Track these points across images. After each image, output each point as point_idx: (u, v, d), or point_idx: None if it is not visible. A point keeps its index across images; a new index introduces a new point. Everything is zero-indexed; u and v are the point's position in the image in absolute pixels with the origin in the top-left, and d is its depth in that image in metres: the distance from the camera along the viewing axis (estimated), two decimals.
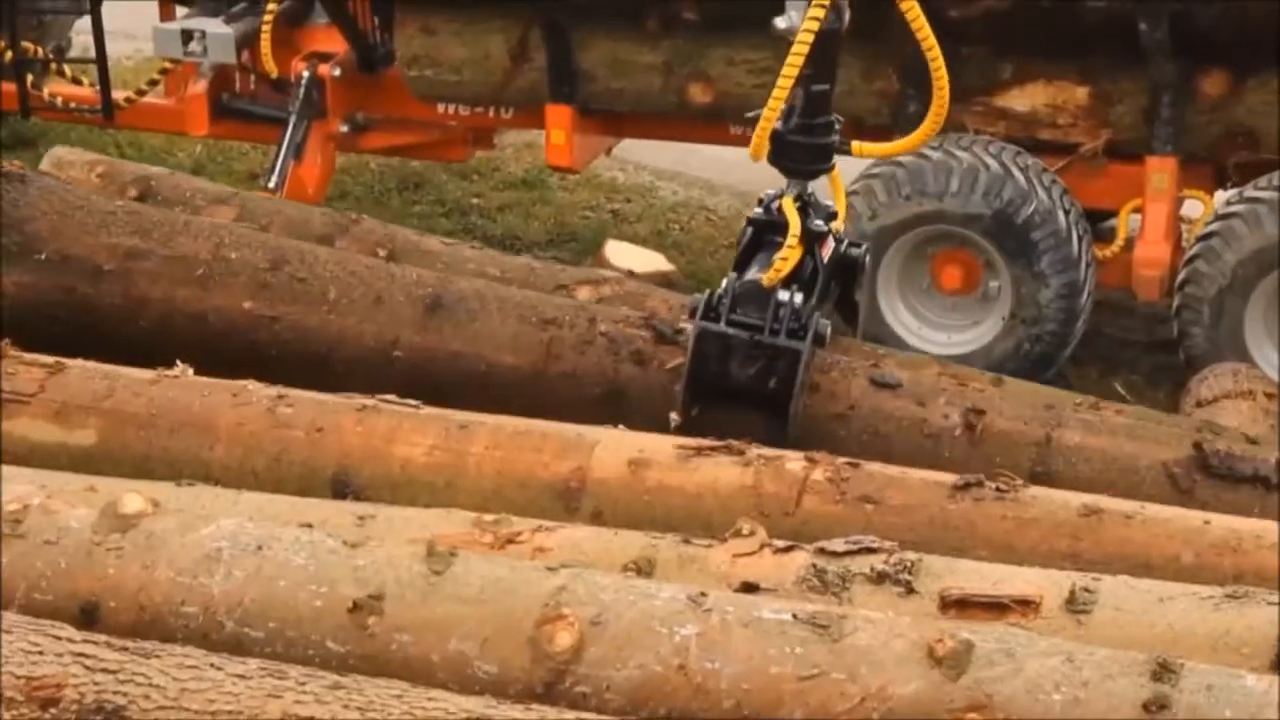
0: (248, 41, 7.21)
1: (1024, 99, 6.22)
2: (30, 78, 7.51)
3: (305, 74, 7.06)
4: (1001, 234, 5.98)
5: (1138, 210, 6.19)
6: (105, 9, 7.43)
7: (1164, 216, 6.12)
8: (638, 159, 8.85)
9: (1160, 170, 6.09)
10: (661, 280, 5.67)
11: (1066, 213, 5.97)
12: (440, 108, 7.05)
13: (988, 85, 6.23)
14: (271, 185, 6.82)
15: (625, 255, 6.48)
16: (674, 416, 3.86)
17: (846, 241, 4.29)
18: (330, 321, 4.03)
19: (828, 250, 4.14)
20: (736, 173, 8.31)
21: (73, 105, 7.58)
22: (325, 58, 7.15)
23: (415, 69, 6.83)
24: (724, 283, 3.97)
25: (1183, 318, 5.92)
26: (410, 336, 4.02)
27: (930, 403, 3.89)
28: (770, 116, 3.99)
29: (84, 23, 7.77)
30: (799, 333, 3.90)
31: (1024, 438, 3.81)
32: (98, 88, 7.46)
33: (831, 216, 4.20)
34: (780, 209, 4.09)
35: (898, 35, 5.76)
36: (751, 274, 4.01)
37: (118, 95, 7.52)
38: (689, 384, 3.88)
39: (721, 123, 6.66)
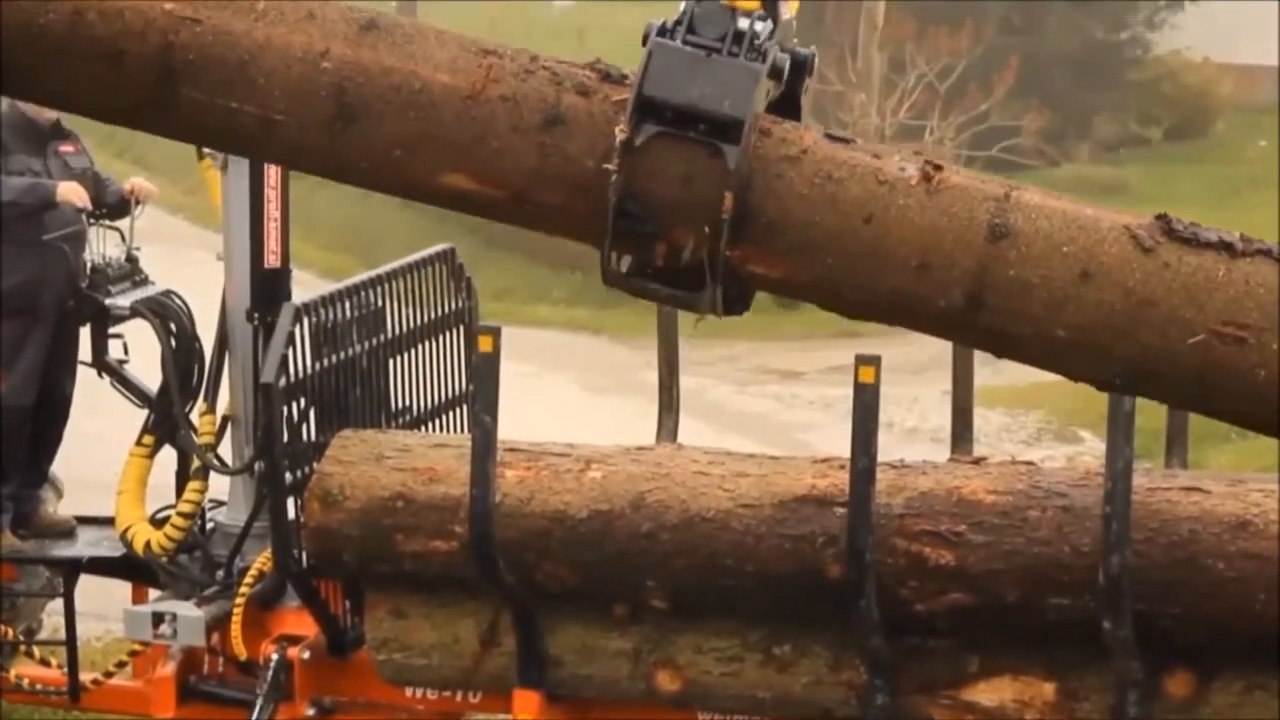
0: (218, 624, 7.25)
1: (991, 693, 6.24)
2: None
3: (274, 657, 7.07)
4: None
5: None
6: (78, 590, 7.50)
7: None
8: None
9: None
10: None
11: None
12: (409, 691, 7.04)
13: (954, 679, 6.25)
14: None
15: None
16: (619, 131, 3.58)
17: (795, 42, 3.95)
18: (256, 28, 3.71)
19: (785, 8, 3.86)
20: None
21: (39, 687, 7.57)
22: (295, 640, 7.17)
23: (384, 653, 6.85)
24: (681, 6, 3.70)
25: None
26: (341, 50, 3.71)
27: (886, 156, 3.66)
28: None
29: (56, 604, 7.84)
30: (757, 59, 3.64)
31: (982, 194, 3.59)
32: (65, 670, 7.46)
33: None
34: None
35: (863, 625, 5.89)
36: None
37: (85, 677, 7.52)
38: (638, 103, 3.59)
39: (690, 709, 6.65)
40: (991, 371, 16.83)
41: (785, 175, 3.64)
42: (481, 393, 6.29)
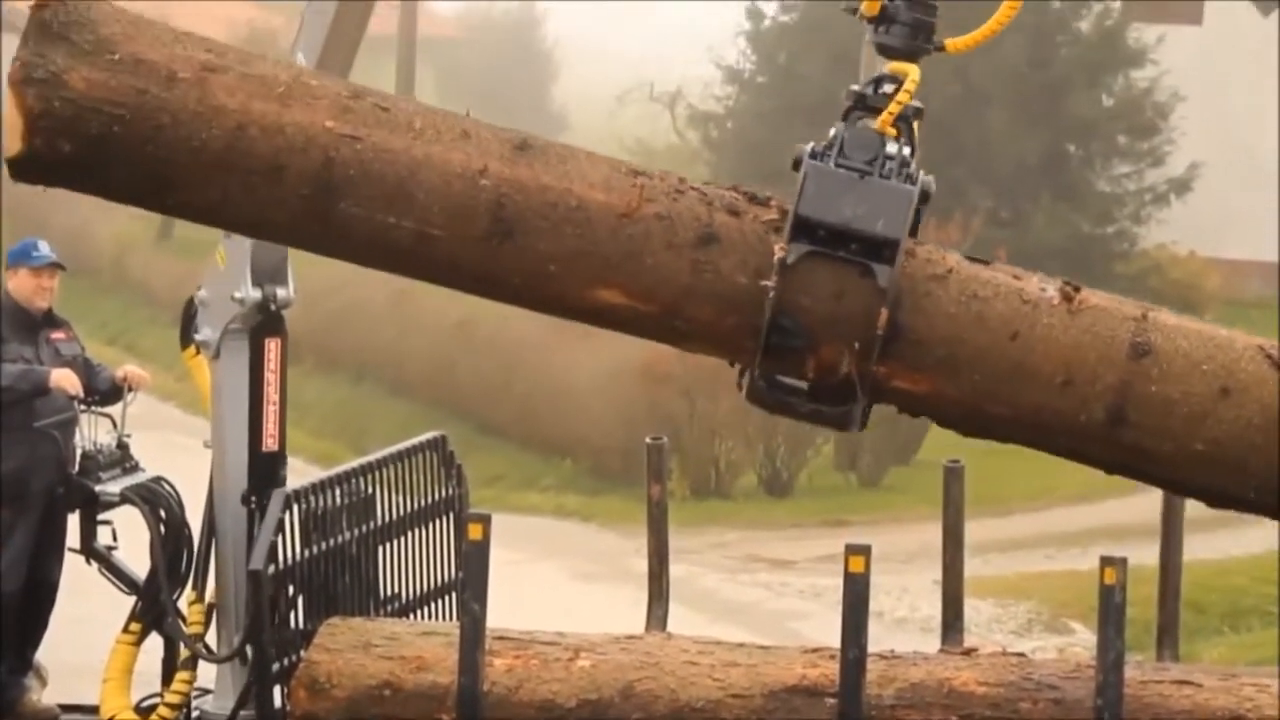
0: None
1: None
2: None
3: None
4: None
5: None
6: None
7: None
8: None
9: None
10: None
11: None
12: None
13: None
14: None
15: None
16: (778, 250, 3.71)
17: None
18: (415, 146, 3.80)
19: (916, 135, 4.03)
20: None
21: None
22: None
23: None
24: (831, 132, 3.84)
25: None
26: (498, 168, 3.80)
27: (1025, 278, 3.84)
28: None
29: None
30: (908, 180, 3.80)
31: (1121, 313, 3.79)
32: None
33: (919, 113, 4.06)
34: (892, 72, 4.00)
35: None
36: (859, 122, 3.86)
37: None
38: (796, 222, 3.71)
39: None
40: (981, 561, 16.87)
41: (933, 294, 3.83)
42: (471, 580, 6.27)
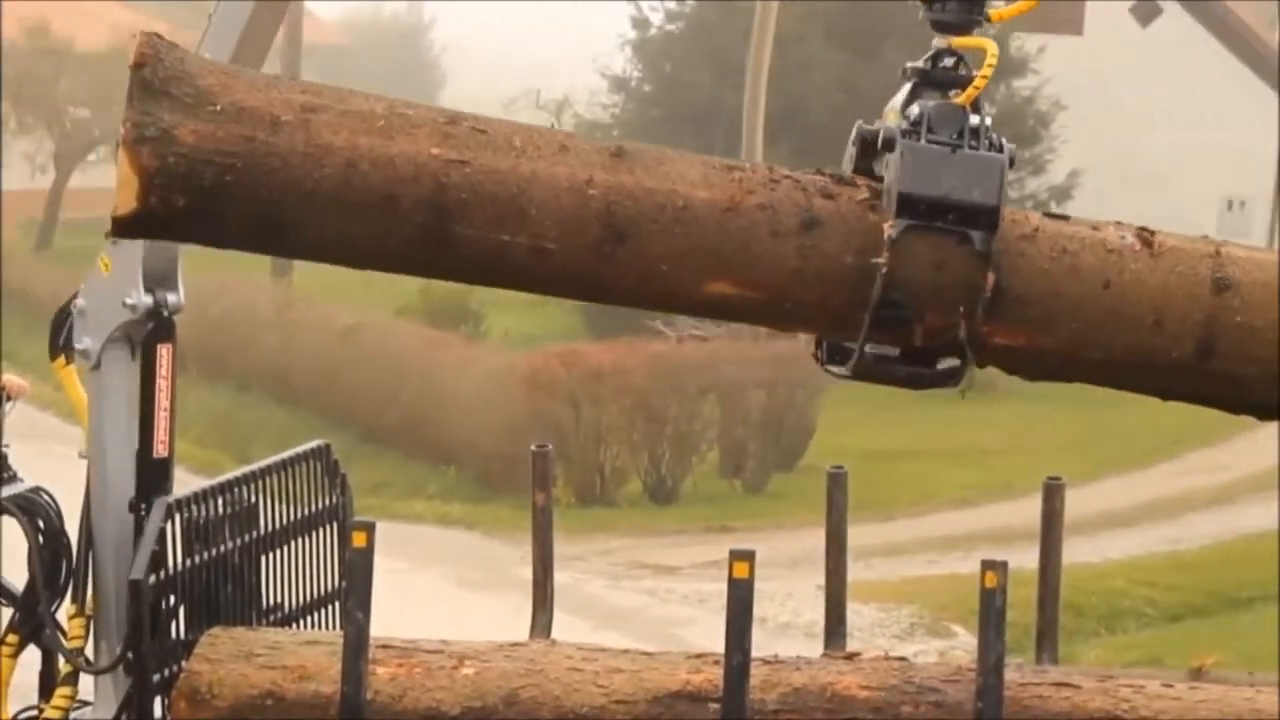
0: None
1: None
2: None
3: None
4: None
5: None
6: None
7: None
8: None
9: None
10: None
11: None
12: None
13: None
14: None
15: None
16: (887, 228, 3.83)
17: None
18: (520, 164, 3.89)
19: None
20: None
21: None
22: None
23: None
24: (914, 110, 4.02)
25: None
26: (603, 176, 3.90)
27: (1102, 228, 4.01)
28: None
29: None
30: (996, 148, 3.95)
31: (1198, 251, 3.98)
32: None
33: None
34: (956, 47, 4.15)
35: None
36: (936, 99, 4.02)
37: None
38: (900, 199, 3.86)
39: None
40: (864, 566, 17.02)
41: (1026, 253, 3.97)
42: (354, 588, 6.24)
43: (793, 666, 6.30)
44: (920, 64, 4.32)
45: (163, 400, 7.30)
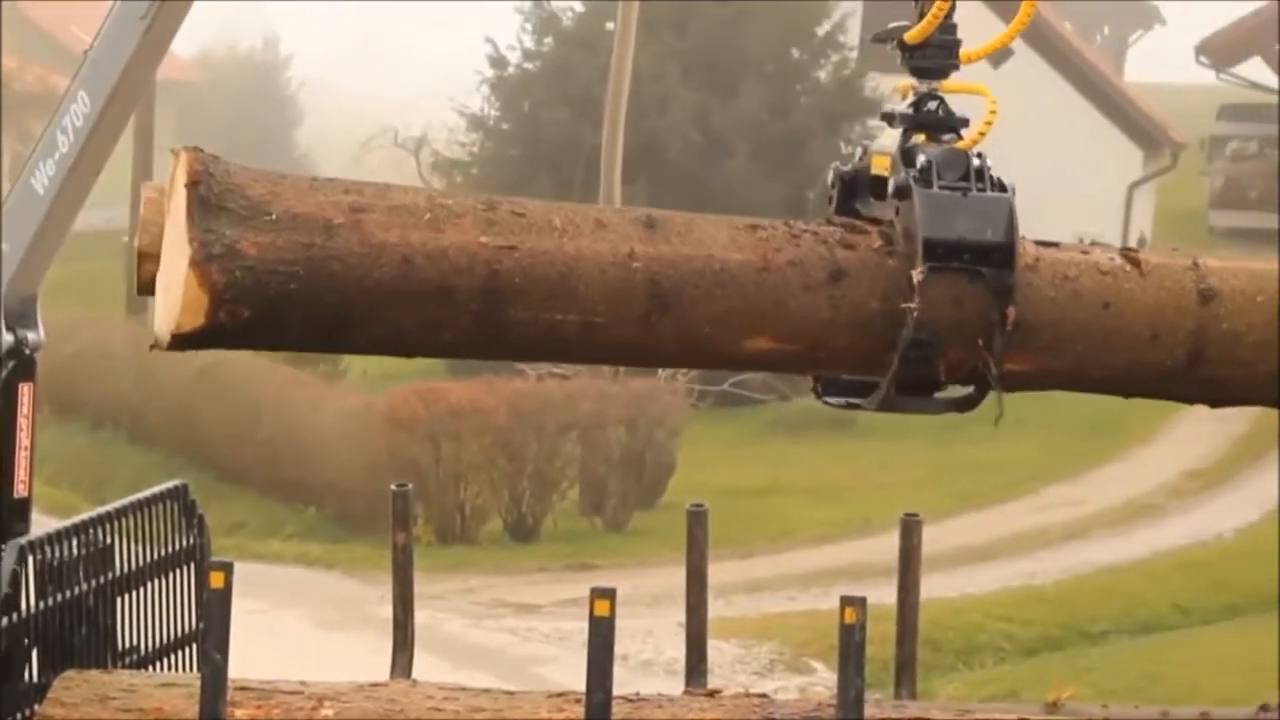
0: None
1: None
2: None
3: None
4: None
5: None
6: None
7: None
8: None
9: None
10: None
11: None
12: None
13: None
14: None
15: None
16: (916, 273, 4.01)
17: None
18: (563, 244, 4.00)
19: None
20: None
21: None
22: None
23: None
24: (920, 159, 4.18)
25: None
26: (642, 249, 4.03)
27: (1091, 251, 4.21)
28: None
29: None
30: (998, 188, 4.15)
31: (1180, 266, 4.22)
32: None
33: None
34: (947, 92, 4.39)
35: None
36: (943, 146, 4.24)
37: None
38: (926, 245, 4.04)
39: None
40: (725, 603, 17.06)
41: (1033, 283, 4.17)
42: (212, 630, 6.18)
43: (654, 704, 6.30)
44: (904, 109, 4.49)
45: (23, 439, 7.21)
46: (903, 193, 4.25)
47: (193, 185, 4.04)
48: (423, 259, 4.01)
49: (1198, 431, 25.69)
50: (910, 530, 5.85)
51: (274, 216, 4.01)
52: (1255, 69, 42.40)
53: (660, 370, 24.82)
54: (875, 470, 24.59)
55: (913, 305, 4.12)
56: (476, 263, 4.02)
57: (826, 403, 4.59)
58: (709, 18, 31.45)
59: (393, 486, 6.82)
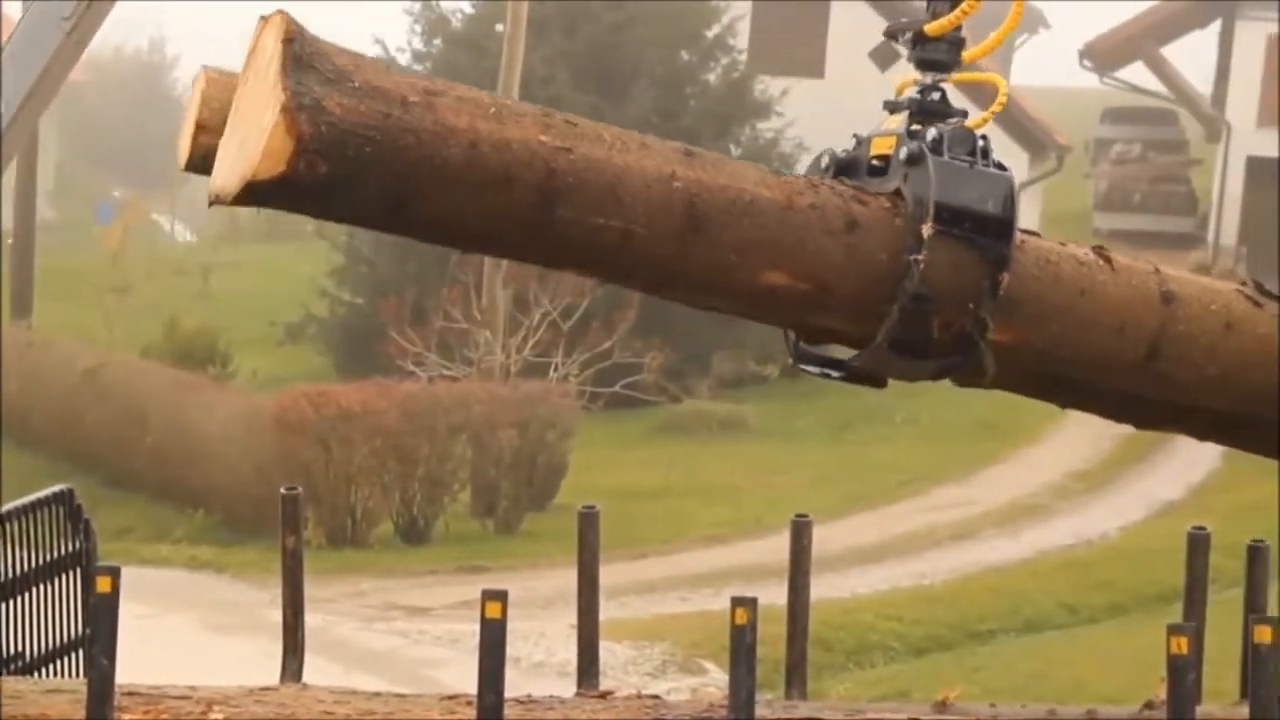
0: None
1: None
2: None
3: None
4: None
5: None
6: None
7: None
8: None
9: None
10: None
11: None
12: None
13: None
14: None
15: None
16: (926, 230, 4.28)
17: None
18: (613, 156, 4.23)
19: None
20: None
21: None
22: None
23: None
24: (929, 133, 4.43)
25: None
26: (684, 171, 4.27)
27: (1068, 244, 4.50)
28: None
29: None
30: (1000, 168, 4.44)
31: (1144, 269, 4.55)
32: None
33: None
34: (960, 82, 4.67)
35: None
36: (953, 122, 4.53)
37: None
38: (938, 207, 4.31)
39: None
40: (617, 605, 17.08)
41: (1019, 261, 4.43)
42: (99, 635, 6.11)
43: (546, 706, 6.29)
44: (913, 95, 4.75)
45: None
46: (914, 159, 4.52)
47: (288, 41, 4.23)
48: (489, 147, 4.19)
49: (1082, 434, 25.97)
50: (800, 531, 5.88)
51: (356, 84, 4.19)
52: (1138, 73, 42.99)
53: (552, 370, 24.86)
54: (767, 471, 24.69)
55: (920, 258, 4.37)
56: (536, 158, 4.20)
57: (803, 370, 4.84)
58: (599, 20, 31.50)
59: (282, 490, 6.77)
